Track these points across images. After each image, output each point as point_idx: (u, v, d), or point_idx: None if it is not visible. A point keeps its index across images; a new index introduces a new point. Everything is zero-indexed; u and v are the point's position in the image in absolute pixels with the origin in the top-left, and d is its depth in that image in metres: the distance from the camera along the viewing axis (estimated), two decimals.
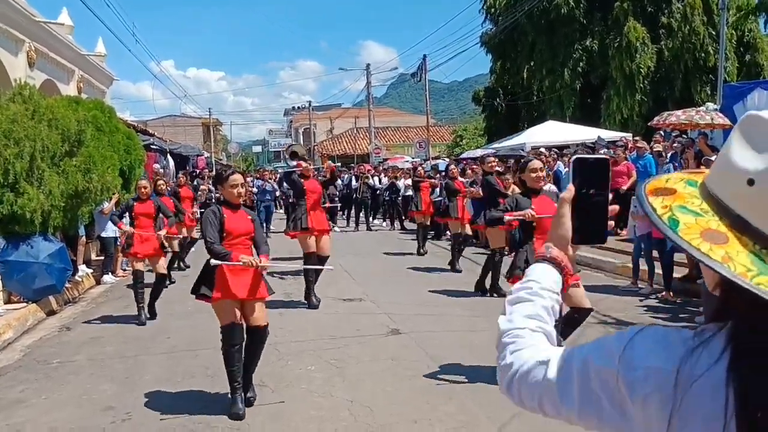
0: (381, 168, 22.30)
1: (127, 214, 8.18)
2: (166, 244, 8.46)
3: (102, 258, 11.09)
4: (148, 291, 7.74)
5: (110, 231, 10.59)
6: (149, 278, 7.96)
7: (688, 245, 0.86)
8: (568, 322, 4.90)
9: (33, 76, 12.27)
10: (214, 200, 17.26)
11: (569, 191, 1.15)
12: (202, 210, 8.25)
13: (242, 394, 4.58)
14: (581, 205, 1.14)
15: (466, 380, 5.07)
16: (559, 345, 1.11)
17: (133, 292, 7.80)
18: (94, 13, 15.84)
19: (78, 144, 9.06)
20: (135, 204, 8.08)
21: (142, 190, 8.19)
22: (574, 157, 1.19)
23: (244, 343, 4.66)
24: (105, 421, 4.49)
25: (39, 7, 12.95)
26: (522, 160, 5.71)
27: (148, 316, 7.65)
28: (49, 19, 13.32)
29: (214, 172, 26.37)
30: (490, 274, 8.46)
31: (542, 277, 1.17)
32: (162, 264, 8.04)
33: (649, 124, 13.91)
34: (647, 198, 0.94)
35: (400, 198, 17.96)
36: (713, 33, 20.52)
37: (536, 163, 5.29)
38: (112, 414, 4.60)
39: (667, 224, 0.89)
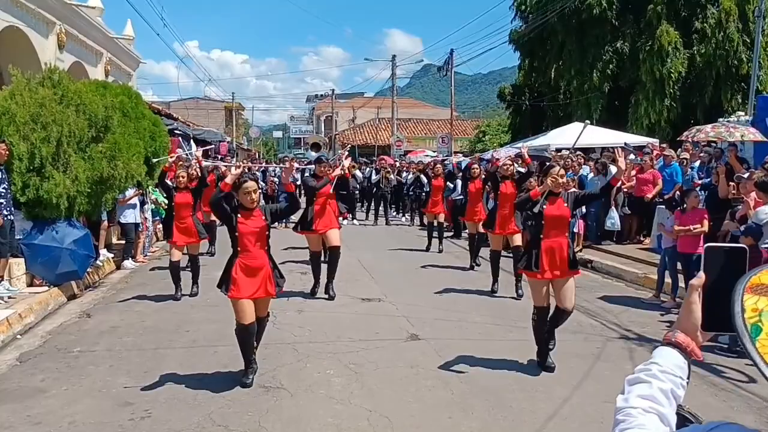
0: (405, 163, 22.15)
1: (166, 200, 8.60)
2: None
3: (123, 242, 11.16)
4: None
5: (130, 217, 10.66)
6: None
7: (759, 358, 0.83)
8: (551, 319, 5.64)
9: (62, 58, 12.34)
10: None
11: (699, 279, 1.15)
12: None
13: (254, 372, 5.22)
14: (713, 293, 1.11)
15: (487, 393, 5.02)
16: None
17: (170, 276, 8.40)
18: None
19: (105, 130, 9.09)
20: (175, 194, 8.43)
21: (180, 180, 8.51)
22: (706, 245, 1.17)
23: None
24: (123, 417, 4.50)
25: None
26: (546, 165, 6.22)
27: (185, 294, 8.37)
28: (80, 1, 13.36)
29: (235, 158, 26.55)
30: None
31: (664, 360, 1.19)
32: (194, 247, 8.60)
33: (678, 138, 13.72)
34: (743, 295, 0.92)
35: (423, 193, 17.84)
36: (747, 41, 20.13)
37: (557, 170, 5.77)
38: (130, 410, 4.61)
39: (747, 331, 0.87)
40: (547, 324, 5.67)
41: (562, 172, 5.84)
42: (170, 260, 8.43)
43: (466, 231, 15.08)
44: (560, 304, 5.62)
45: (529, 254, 5.77)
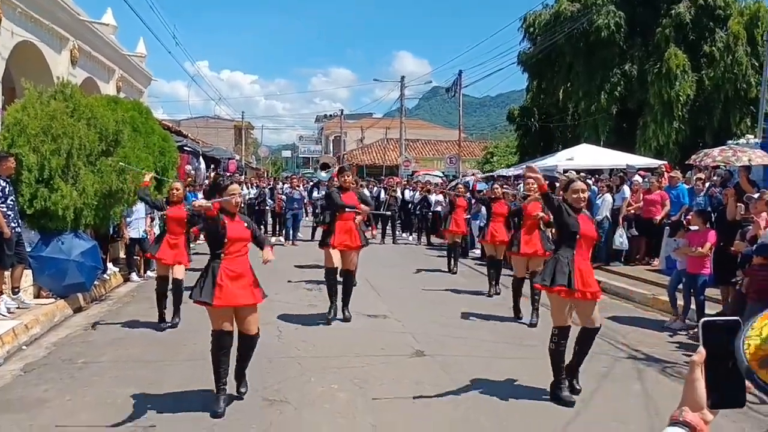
0: (413, 182, 22.17)
1: (158, 217, 8.20)
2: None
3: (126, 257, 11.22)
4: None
5: (133, 233, 10.71)
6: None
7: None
8: (579, 342, 5.32)
9: (74, 73, 12.47)
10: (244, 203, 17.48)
11: (700, 354, 1.12)
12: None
13: (225, 395, 4.88)
14: (714, 368, 1.10)
15: (493, 411, 4.97)
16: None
17: (156, 298, 7.64)
18: (138, 16, 16.09)
19: (115, 144, 9.15)
20: (168, 207, 7.77)
21: (174, 192, 7.83)
22: (702, 320, 1.16)
23: (233, 347, 5.00)
24: (126, 429, 4.47)
25: (85, 7, 13.17)
26: (567, 179, 5.84)
27: (168, 323, 7.47)
28: (93, 18, 13.54)
29: (244, 176, 26.68)
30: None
31: None
32: (180, 269, 7.64)
33: (686, 162, 13.70)
34: (757, 374, 0.95)
35: (431, 213, 17.84)
36: (756, 64, 20.15)
37: (580, 185, 5.39)
38: (133, 424, 4.57)
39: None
40: (564, 349, 5.26)
41: (583, 186, 5.44)
42: (157, 277, 7.81)
43: (474, 251, 15.10)
44: (583, 322, 5.30)
45: (550, 270, 5.28)
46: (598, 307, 5.36)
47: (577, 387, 5.34)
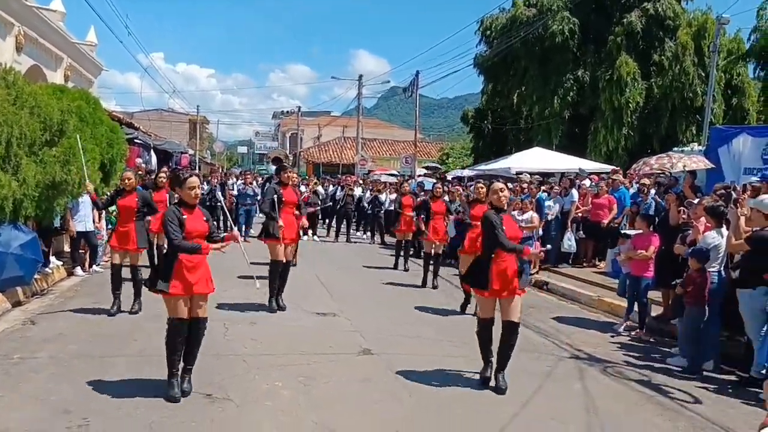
0: (368, 180, 22.19)
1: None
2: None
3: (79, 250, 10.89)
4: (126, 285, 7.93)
5: (80, 226, 10.40)
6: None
7: None
8: (502, 337, 5.54)
9: (20, 60, 12.05)
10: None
11: None
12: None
13: (179, 380, 4.99)
14: None
15: (436, 408, 5.00)
16: None
17: (110, 287, 7.89)
18: (88, 2, 15.66)
19: (59, 134, 8.89)
20: (119, 198, 7.98)
21: (126, 181, 7.99)
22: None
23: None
24: (60, 426, 4.34)
25: None
26: (487, 183, 6.12)
27: (125, 311, 7.75)
28: (41, 4, 13.12)
29: (199, 171, 26.21)
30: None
31: None
32: (135, 257, 7.97)
33: (628, 172, 14.10)
34: None
35: (382, 212, 17.88)
36: (702, 74, 20.78)
37: (498, 184, 5.63)
38: (68, 419, 4.45)
39: None
40: (491, 337, 5.66)
41: (502, 186, 5.64)
42: (111, 263, 8.03)
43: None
44: (505, 317, 5.51)
45: (477, 272, 5.59)
46: (519, 303, 5.54)
47: (503, 386, 5.45)
